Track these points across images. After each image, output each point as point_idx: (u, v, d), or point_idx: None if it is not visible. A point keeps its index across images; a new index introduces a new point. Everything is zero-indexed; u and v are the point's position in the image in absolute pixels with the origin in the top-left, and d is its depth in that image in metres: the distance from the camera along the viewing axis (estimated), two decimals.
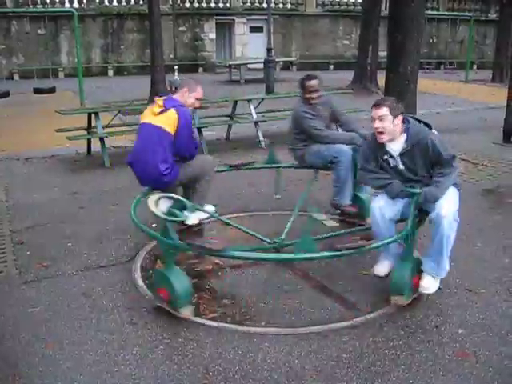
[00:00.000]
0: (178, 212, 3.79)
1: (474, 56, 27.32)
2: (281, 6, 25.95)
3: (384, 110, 3.80)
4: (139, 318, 3.76)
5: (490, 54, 27.46)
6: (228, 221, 4.90)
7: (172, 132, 4.76)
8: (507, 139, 9.48)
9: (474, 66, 27.90)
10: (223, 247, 3.57)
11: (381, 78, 12.67)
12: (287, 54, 25.18)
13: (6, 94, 14.39)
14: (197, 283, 4.24)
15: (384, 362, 3.25)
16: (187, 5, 24.29)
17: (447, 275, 4.22)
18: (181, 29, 23.91)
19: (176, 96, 4.97)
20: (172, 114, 4.76)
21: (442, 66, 28.40)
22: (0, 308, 3.92)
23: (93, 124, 8.47)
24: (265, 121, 10.04)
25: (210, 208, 5.11)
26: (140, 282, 4.29)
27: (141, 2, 23.22)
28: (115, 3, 23.19)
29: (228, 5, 25.03)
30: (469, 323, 3.66)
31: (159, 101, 4.90)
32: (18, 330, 3.62)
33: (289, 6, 26.17)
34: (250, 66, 21.44)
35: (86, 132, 8.63)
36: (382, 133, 3.83)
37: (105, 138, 8.22)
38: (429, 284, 3.90)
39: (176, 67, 17.50)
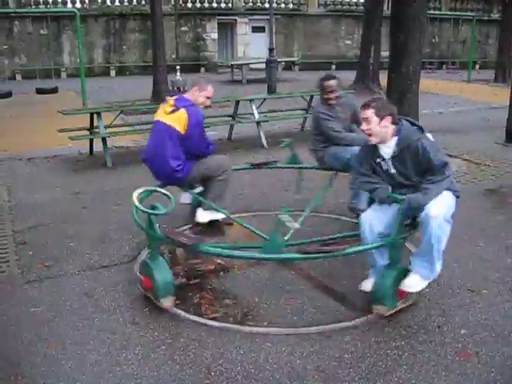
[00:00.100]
0: (159, 206, 3.88)
1: (477, 56, 27.25)
2: (283, 5, 25.95)
3: (368, 112, 3.69)
4: (141, 318, 3.76)
5: (492, 54, 27.45)
6: (240, 220, 4.95)
7: (182, 131, 4.87)
8: (510, 139, 9.45)
9: (477, 66, 27.86)
10: (197, 242, 3.73)
11: (383, 77, 12.65)
12: (289, 54, 25.18)
13: (8, 94, 14.45)
14: (199, 283, 4.25)
15: (386, 362, 3.24)
16: (189, 5, 24.31)
17: (448, 276, 4.22)
18: (183, 29, 23.93)
19: (187, 95, 5.07)
20: (182, 113, 4.87)
21: (444, 66, 28.37)
22: (2, 308, 3.93)
23: (95, 124, 8.48)
24: (267, 121, 10.04)
25: (212, 216, 5.20)
26: None
27: (143, 3, 23.24)
28: (117, 3, 23.21)
29: (230, 5, 25.04)
30: (471, 323, 3.65)
31: (170, 100, 5.01)
32: (20, 330, 3.63)
33: (291, 5, 26.17)
34: (251, 66, 21.45)
35: (88, 132, 8.64)
36: (369, 135, 3.73)
37: (107, 138, 8.22)
38: (412, 282, 3.72)
39: (178, 67, 17.47)
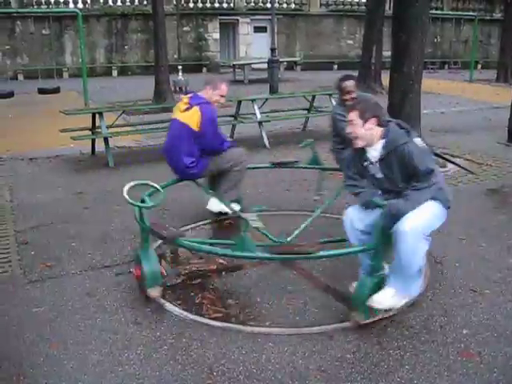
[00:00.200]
0: (146, 199, 4.03)
1: (479, 56, 27.25)
2: (285, 5, 25.98)
3: (352, 115, 3.60)
4: (143, 318, 3.76)
5: (494, 54, 27.40)
6: (246, 217, 4.92)
7: (196, 129, 5.02)
8: None
9: (479, 66, 27.86)
10: (175, 236, 3.86)
11: (385, 77, 12.66)
12: (291, 54, 25.18)
13: (10, 94, 14.47)
14: (201, 283, 4.25)
15: (388, 362, 3.24)
16: (191, 5, 24.36)
17: (450, 276, 4.21)
18: (185, 29, 23.95)
19: (201, 93, 5.19)
20: (195, 111, 5.02)
21: (446, 66, 28.37)
22: (4, 308, 3.93)
23: (97, 124, 8.49)
24: (269, 121, 10.04)
25: (235, 207, 5.25)
26: None
27: (145, 3, 23.29)
28: (119, 3, 23.28)
29: (232, 5, 25.06)
30: (473, 323, 3.65)
31: (185, 98, 5.20)
32: (22, 330, 3.63)
33: (293, 5, 26.19)
34: (253, 65, 21.47)
35: (90, 132, 8.64)
36: (355, 138, 3.63)
37: (109, 138, 8.22)
38: (381, 298, 3.50)
39: (180, 67, 17.51)
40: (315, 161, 5.60)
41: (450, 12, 28.33)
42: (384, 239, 3.50)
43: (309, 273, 4.39)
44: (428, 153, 3.67)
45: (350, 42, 26.95)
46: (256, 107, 9.57)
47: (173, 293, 4.10)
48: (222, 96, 5.23)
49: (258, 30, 25.34)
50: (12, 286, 4.28)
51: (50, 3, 22.14)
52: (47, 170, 8.05)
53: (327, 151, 5.89)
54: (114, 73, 23.15)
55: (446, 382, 3.06)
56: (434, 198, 3.52)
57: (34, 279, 4.38)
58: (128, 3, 23.40)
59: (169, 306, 3.90)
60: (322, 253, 3.61)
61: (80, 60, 16.31)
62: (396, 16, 8.32)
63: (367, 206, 3.69)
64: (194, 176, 5.24)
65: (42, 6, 21.80)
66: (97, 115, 8.38)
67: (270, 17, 17.88)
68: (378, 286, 3.54)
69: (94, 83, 16.94)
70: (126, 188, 3.92)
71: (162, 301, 3.96)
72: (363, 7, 23.92)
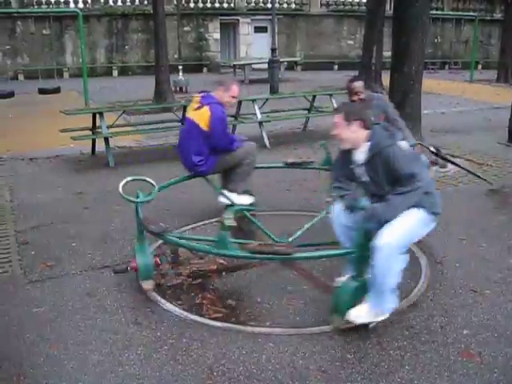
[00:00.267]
0: (140, 194, 4.15)
1: (479, 56, 27.22)
2: (285, 6, 25.96)
3: (337, 117, 3.59)
4: (144, 318, 3.76)
5: (494, 54, 27.38)
6: (250, 216, 4.95)
7: (205, 128, 5.15)
8: None
9: (479, 66, 27.83)
10: (161, 231, 4.00)
11: (385, 78, 12.64)
12: (292, 54, 25.18)
13: (10, 94, 14.48)
14: (201, 283, 4.25)
15: (388, 362, 3.24)
16: (191, 5, 24.35)
17: (451, 276, 4.21)
18: (185, 29, 23.94)
19: (213, 93, 5.30)
20: (205, 111, 5.15)
21: (446, 66, 28.34)
22: (5, 308, 3.93)
23: (97, 124, 8.49)
24: (269, 121, 10.04)
25: (248, 199, 5.41)
26: None
27: (145, 3, 23.28)
28: (120, 3, 23.27)
29: (232, 5, 25.05)
30: (474, 324, 3.65)
31: (197, 97, 5.33)
32: (22, 330, 3.63)
33: (293, 6, 26.18)
34: (254, 66, 21.46)
35: (90, 132, 8.64)
36: (340, 140, 3.61)
37: (109, 138, 8.22)
38: (358, 312, 3.46)
39: (180, 67, 17.51)
40: (328, 161, 5.60)
41: (451, 12, 28.31)
42: (366, 243, 3.41)
43: (309, 273, 4.38)
44: (413, 156, 3.62)
45: (351, 42, 26.94)
46: (256, 107, 9.56)
47: (173, 293, 4.10)
48: (233, 97, 5.34)
49: (258, 30, 25.32)
50: (12, 286, 4.28)
51: (50, 3, 22.13)
52: (47, 169, 8.05)
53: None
54: (115, 73, 23.13)
55: (446, 382, 3.06)
56: (418, 204, 3.42)
57: (35, 279, 4.38)
58: (128, 3, 23.40)
59: (169, 306, 3.90)
60: (298, 254, 3.65)
61: (80, 60, 16.29)
62: (396, 16, 8.33)
63: (351, 209, 3.67)
64: (203, 173, 5.40)
65: (43, 6, 21.79)
66: (97, 115, 8.38)
67: (270, 17, 17.88)
68: (362, 291, 3.49)
69: (95, 83, 16.93)
70: (121, 184, 4.05)
71: (163, 301, 3.97)
72: (364, 7, 23.89)
